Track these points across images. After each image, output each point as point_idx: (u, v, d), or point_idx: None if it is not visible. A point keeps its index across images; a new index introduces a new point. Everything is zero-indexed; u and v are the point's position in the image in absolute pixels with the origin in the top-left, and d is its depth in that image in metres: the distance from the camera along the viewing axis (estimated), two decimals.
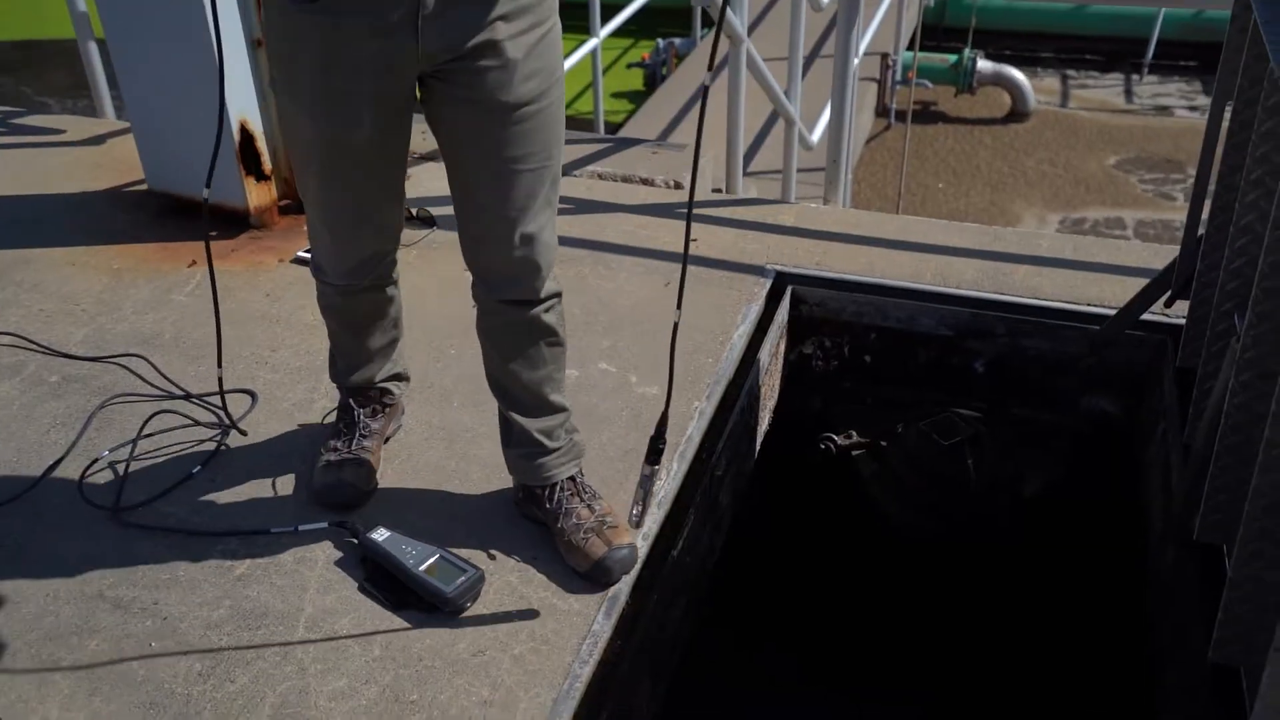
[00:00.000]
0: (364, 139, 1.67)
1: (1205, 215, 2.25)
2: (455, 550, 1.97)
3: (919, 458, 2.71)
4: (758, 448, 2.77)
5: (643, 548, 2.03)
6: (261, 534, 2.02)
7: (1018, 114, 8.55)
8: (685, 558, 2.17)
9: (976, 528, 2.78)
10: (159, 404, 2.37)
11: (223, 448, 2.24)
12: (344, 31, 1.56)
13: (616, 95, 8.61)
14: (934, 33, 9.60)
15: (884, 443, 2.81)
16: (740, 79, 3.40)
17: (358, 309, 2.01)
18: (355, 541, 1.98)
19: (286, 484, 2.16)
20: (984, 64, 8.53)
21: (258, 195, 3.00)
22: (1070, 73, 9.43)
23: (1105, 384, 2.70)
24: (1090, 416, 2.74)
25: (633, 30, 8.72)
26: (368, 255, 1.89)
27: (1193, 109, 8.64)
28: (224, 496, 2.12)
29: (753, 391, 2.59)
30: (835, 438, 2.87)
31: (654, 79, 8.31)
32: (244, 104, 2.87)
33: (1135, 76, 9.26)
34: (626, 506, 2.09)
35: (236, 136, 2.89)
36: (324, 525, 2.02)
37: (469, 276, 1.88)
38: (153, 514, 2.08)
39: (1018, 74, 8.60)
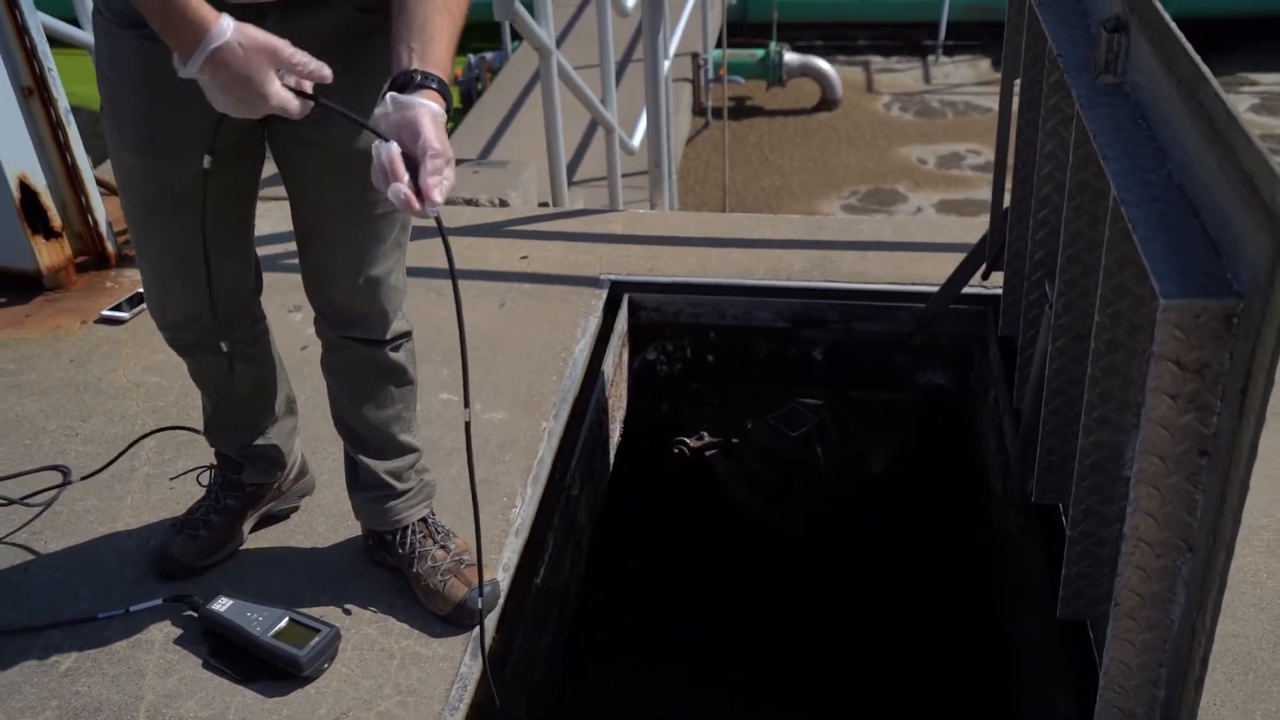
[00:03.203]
0: (191, 178, 1.55)
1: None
2: (306, 610, 1.87)
3: (770, 451, 2.75)
4: (611, 461, 2.75)
5: (504, 579, 1.97)
6: (88, 621, 1.86)
7: (827, 102, 8.84)
8: (549, 584, 2.13)
9: (833, 511, 2.84)
10: None
11: (33, 531, 2.06)
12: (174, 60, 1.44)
13: None
14: (740, 29, 9.85)
15: (735, 440, 2.84)
16: (554, 91, 3.38)
17: (193, 368, 1.86)
18: (195, 615, 1.86)
19: (113, 563, 1.99)
20: (790, 56, 8.79)
21: (49, 254, 2.78)
22: (872, 59, 9.84)
23: (936, 358, 2.80)
24: (926, 391, 2.84)
25: None
26: (190, 312, 1.72)
27: (981, 85, 9.14)
28: (42, 586, 1.94)
29: (600, 404, 2.56)
30: (687, 441, 2.88)
31: (470, 95, 8.20)
32: (20, 158, 2.65)
33: (931, 59, 9.73)
34: (483, 538, 2.04)
35: (16, 194, 2.66)
36: (158, 602, 1.88)
37: (301, 316, 1.78)
38: None
39: (823, 64, 8.90)
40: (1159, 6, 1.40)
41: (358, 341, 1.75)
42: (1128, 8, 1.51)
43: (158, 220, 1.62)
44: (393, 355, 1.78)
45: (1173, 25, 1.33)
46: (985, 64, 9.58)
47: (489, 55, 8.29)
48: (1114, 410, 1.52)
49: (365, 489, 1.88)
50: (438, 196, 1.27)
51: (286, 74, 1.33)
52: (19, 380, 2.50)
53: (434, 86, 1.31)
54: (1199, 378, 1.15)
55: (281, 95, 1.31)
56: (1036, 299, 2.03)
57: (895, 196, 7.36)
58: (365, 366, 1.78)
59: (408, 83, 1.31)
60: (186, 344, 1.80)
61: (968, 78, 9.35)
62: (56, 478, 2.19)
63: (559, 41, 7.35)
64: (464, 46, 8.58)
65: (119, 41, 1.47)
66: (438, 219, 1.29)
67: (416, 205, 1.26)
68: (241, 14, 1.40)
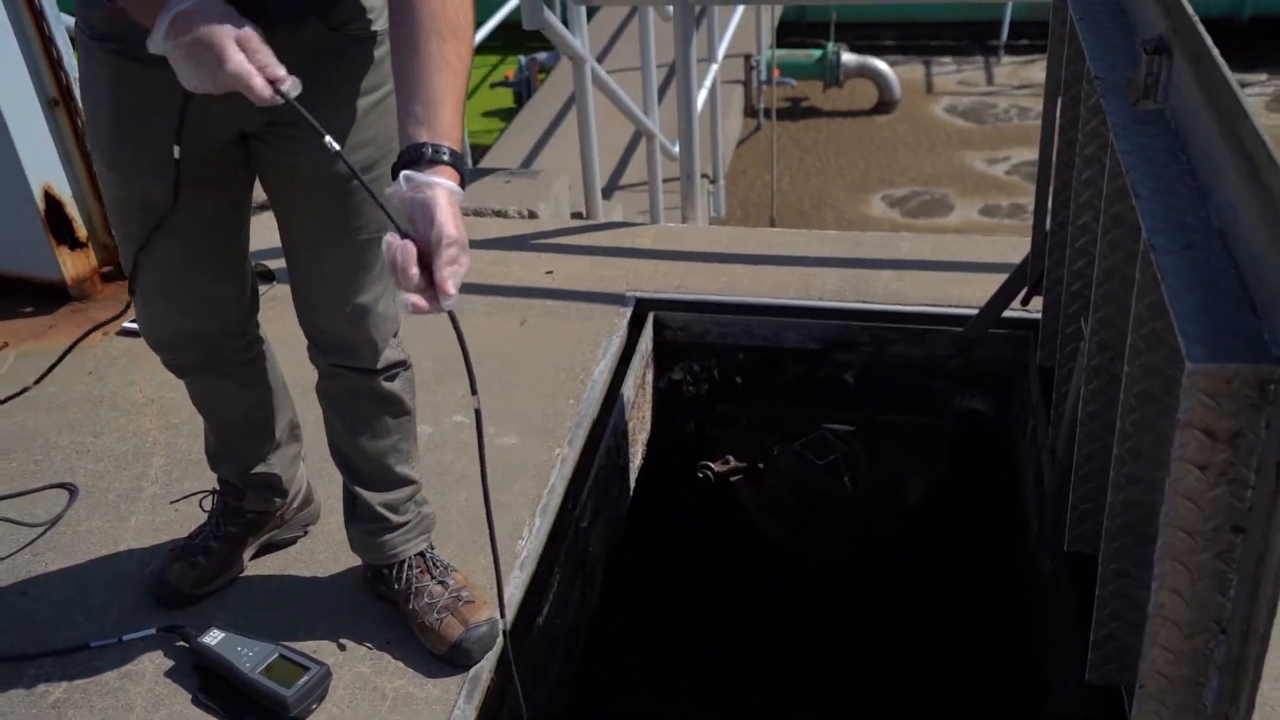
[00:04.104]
0: (164, 198, 1.50)
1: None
2: (301, 643, 1.82)
3: (796, 479, 2.64)
4: (632, 484, 2.67)
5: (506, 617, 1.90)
6: (81, 650, 1.83)
7: (885, 103, 8.65)
8: (554, 620, 2.05)
9: (861, 543, 2.73)
10: None
11: (34, 552, 2.04)
12: (146, 79, 1.39)
13: (487, 114, 8.45)
14: (797, 29, 9.69)
15: (760, 465, 2.74)
16: (588, 100, 3.31)
17: (193, 390, 1.83)
18: (187, 646, 1.81)
19: (111, 587, 1.96)
20: (848, 57, 8.61)
21: (74, 265, 2.78)
22: (933, 59, 9.60)
23: (974, 383, 2.67)
24: (963, 417, 2.71)
25: (498, 47, 8.57)
26: (182, 333, 1.69)
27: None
28: (38, 611, 1.92)
29: (618, 429, 2.48)
30: (712, 465, 2.79)
31: (523, 96, 8.16)
32: (45, 169, 2.65)
33: (994, 59, 9.47)
34: (486, 573, 1.97)
35: (41, 204, 2.66)
36: (151, 631, 1.85)
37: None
38: None
39: (881, 64, 8.70)
40: (1201, 28, 1.27)
41: (349, 370, 1.69)
42: (1170, 28, 1.39)
43: (143, 241, 1.58)
44: (387, 385, 1.72)
45: (1215, 51, 1.21)
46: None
47: (541, 56, 8.24)
48: (1146, 468, 1.39)
49: (361, 521, 1.82)
50: (452, 289, 1.17)
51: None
52: (36, 393, 2.50)
53: (447, 160, 1.21)
54: (1230, 448, 1.04)
55: (243, 67, 1.20)
56: (1072, 333, 1.90)
57: (944, 202, 7.17)
58: (359, 395, 1.72)
59: (418, 158, 1.21)
60: (179, 365, 1.76)
61: (1032, 79, 9.08)
62: (64, 496, 2.18)
63: (609, 45, 7.29)
64: (518, 46, 8.46)
65: (92, 55, 1.43)
66: (450, 312, 1.18)
67: (427, 306, 1.17)
68: None
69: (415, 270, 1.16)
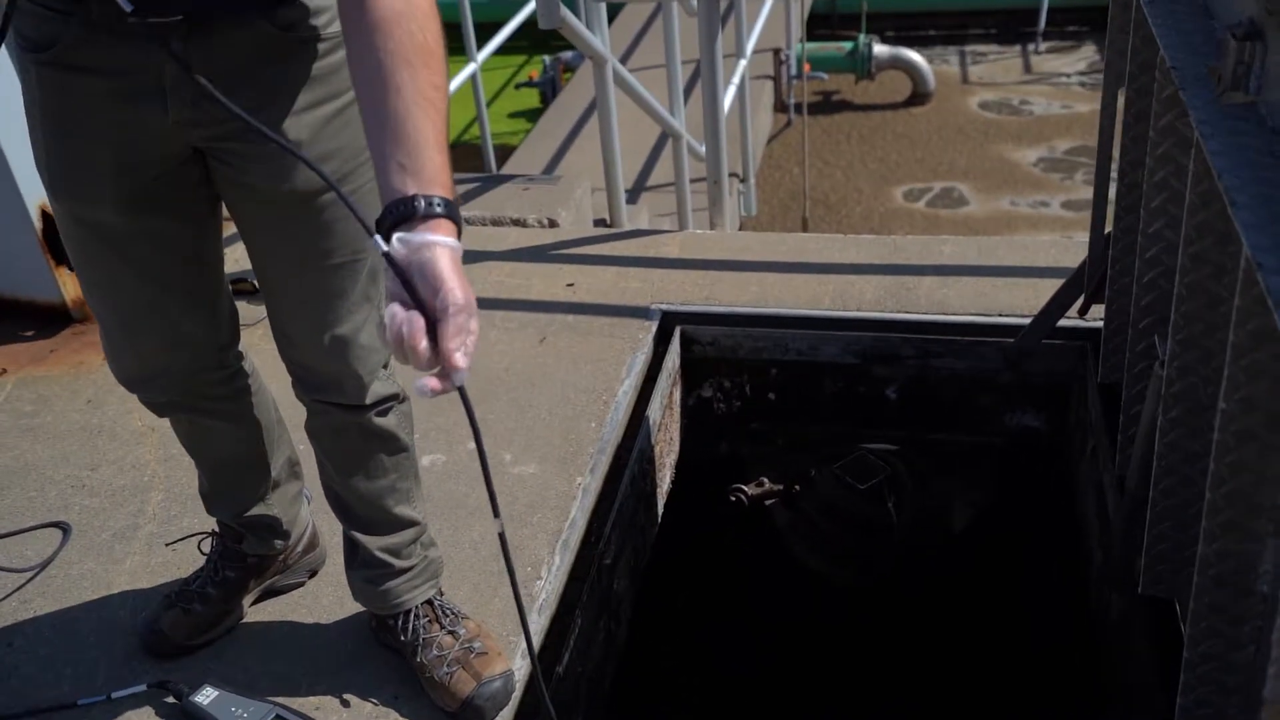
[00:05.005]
0: (115, 221, 1.37)
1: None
2: (301, 699, 1.69)
3: (835, 506, 2.47)
4: (660, 510, 2.51)
5: (521, 668, 1.75)
6: (67, 709, 1.70)
7: (919, 96, 8.42)
8: (576, 667, 1.90)
9: (905, 570, 2.55)
10: None
11: (23, 599, 1.92)
12: (80, 89, 1.27)
13: (513, 115, 8.33)
14: (828, 21, 9.48)
15: (797, 488, 2.57)
16: (610, 102, 3.15)
17: (177, 429, 1.70)
18: (179, 704, 1.68)
19: (102, 636, 1.84)
20: (880, 48, 8.39)
21: (74, 286, 2.66)
22: (968, 49, 9.35)
23: (1027, 399, 2.49)
24: (1016, 434, 2.53)
25: (523, 47, 8.45)
26: (152, 370, 1.55)
27: (1084, 75, 8.59)
28: (24, 664, 1.79)
29: (644, 454, 2.32)
30: (745, 488, 2.62)
31: (548, 96, 8.02)
32: (42, 188, 2.53)
33: (1031, 47, 9.20)
34: (502, 618, 1.83)
35: (39, 224, 2.55)
36: (142, 688, 1.71)
37: None
38: None
39: (915, 56, 8.48)
40: None
41: (335, 406, 1.54)
42: (1265, 9, 1.21)
43: (92, 268, 1.44)
44: (378, 420, 1.57)
45: None
46: (1091, 51, 9.02)
47: (566, 55, 8.09)
48: (1243, 515, 1.22)
49: (361, 567, 1.68)
50: (462, 361, 1.00)
51: None
52: (34, 423, 2.38)
53: (442, 213, 1.05)
54: None
55: None
56: (1144, 350, 1.72)
57: (972, 194, 6.94)
58: (349, 433, 1.57)
59: (410, 215, 1.04)
60: (155, 404, 1.62)
61: (1071, 68, 8.81)
62: (56, 536, 2.05)
63: (635, 42, 7.12)
64: (542, 46, 8.34)
65: (27, 71, 1.30)
66: (461, 390, 1.02)
67: (441, 387, 1.00)
68: (138, 35, 1.22)
69: (425, 345, 0.99)
